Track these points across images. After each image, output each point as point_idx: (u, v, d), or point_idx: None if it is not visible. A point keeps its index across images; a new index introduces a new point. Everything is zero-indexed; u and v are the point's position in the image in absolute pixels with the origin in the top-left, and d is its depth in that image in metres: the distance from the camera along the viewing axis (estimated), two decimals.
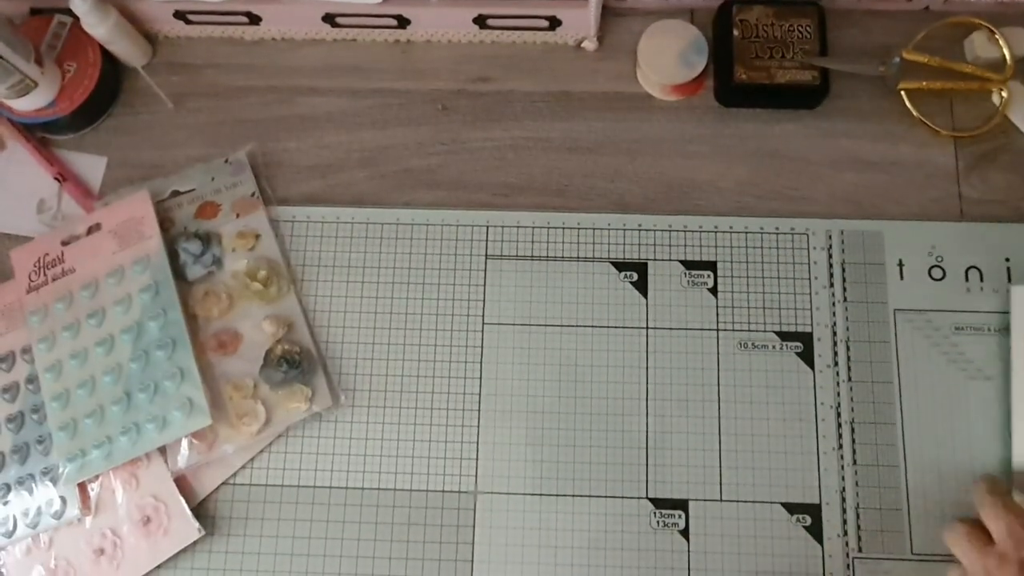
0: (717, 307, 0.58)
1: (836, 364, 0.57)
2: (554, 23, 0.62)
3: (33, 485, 0.55)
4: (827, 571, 0.53)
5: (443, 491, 0.55)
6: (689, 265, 0.59)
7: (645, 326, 0.58)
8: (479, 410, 0.57)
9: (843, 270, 0.58)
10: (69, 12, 0.60)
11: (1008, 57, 0.60)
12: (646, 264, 0.59)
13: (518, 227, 0.60)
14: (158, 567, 0.54)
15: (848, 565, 0.53)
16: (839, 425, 0.55)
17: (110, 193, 0.62)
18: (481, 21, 0.62)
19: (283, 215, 0.61)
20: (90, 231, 0.59)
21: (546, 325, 0.58)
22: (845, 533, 0.54)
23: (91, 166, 0.63)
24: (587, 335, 0.58)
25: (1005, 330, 0.56)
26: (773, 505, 0.54)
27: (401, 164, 0.62)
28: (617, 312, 0.58)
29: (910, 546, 0.53)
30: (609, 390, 0.57)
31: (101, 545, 0.54)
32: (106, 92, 0.63)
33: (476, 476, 0.56)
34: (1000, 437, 0.55)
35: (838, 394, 0.56)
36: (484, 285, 0.59)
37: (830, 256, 0.59)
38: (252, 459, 0.56)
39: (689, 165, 0.61)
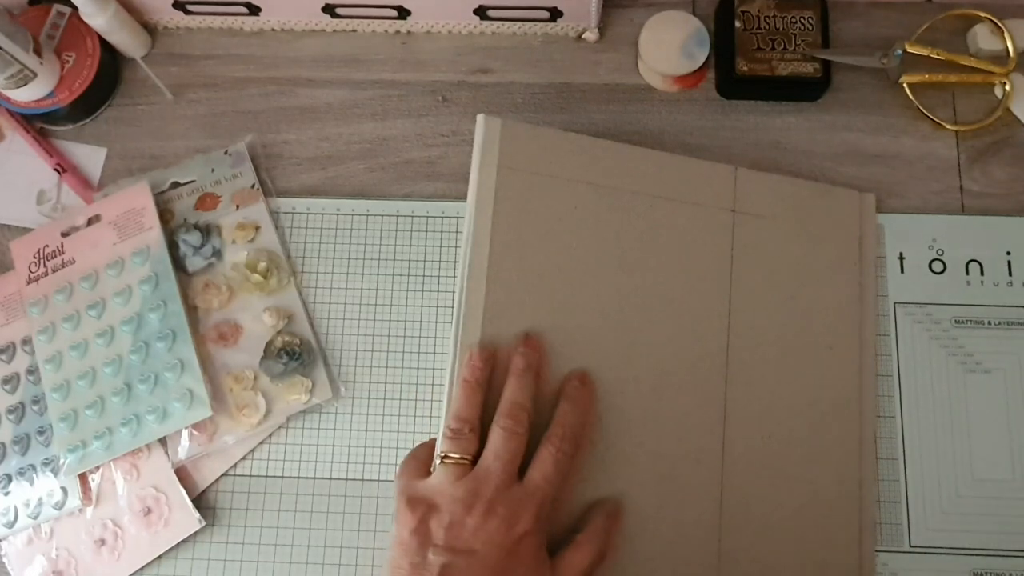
0: None
1: None
2: (555, 14, 0.62)
3: (34, 476, 0.55)
4: None
5: None
6: None
7: None
8: None
9: None
10: (67, 2, 0.60)
11: (1011, 50, 0.60)
12: None
13: None
14: (159, 557, 0.54)
15: None
16: None
17: (110, 184, 0.61)
18: (482, 12, 0.62)
19: (283, 207, 0.61)
20: (90, 222, 0.59)
21: None
22: None
23: (90, 157, 0.63)
24: None
25: (1006, 323, 0.56)
26: None
27: (401, 156, 0.62)
28: None
29: (908, 539, 0.53)
30: None
31: (102, 536, 0.54)
32: (105, 83, 0.63)
33: None
34: (1000, 430, 0.55)
35: None
36: None
37: None
38: (252, 450, 0.56)
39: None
